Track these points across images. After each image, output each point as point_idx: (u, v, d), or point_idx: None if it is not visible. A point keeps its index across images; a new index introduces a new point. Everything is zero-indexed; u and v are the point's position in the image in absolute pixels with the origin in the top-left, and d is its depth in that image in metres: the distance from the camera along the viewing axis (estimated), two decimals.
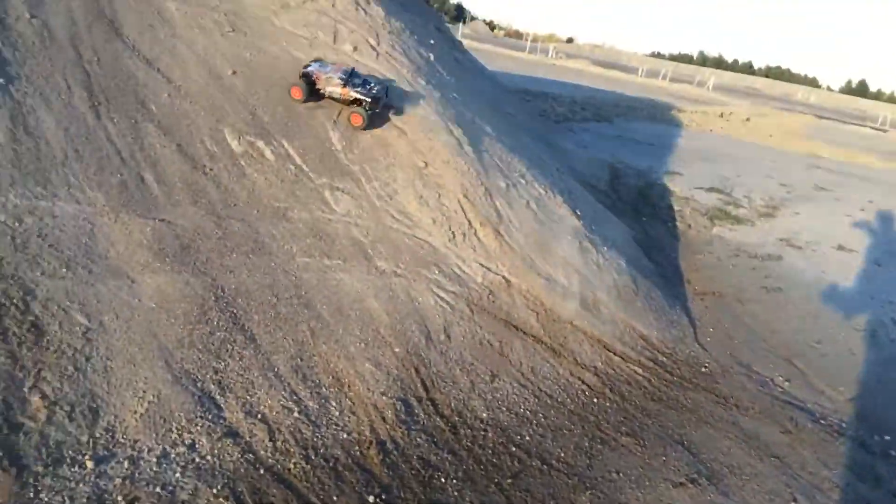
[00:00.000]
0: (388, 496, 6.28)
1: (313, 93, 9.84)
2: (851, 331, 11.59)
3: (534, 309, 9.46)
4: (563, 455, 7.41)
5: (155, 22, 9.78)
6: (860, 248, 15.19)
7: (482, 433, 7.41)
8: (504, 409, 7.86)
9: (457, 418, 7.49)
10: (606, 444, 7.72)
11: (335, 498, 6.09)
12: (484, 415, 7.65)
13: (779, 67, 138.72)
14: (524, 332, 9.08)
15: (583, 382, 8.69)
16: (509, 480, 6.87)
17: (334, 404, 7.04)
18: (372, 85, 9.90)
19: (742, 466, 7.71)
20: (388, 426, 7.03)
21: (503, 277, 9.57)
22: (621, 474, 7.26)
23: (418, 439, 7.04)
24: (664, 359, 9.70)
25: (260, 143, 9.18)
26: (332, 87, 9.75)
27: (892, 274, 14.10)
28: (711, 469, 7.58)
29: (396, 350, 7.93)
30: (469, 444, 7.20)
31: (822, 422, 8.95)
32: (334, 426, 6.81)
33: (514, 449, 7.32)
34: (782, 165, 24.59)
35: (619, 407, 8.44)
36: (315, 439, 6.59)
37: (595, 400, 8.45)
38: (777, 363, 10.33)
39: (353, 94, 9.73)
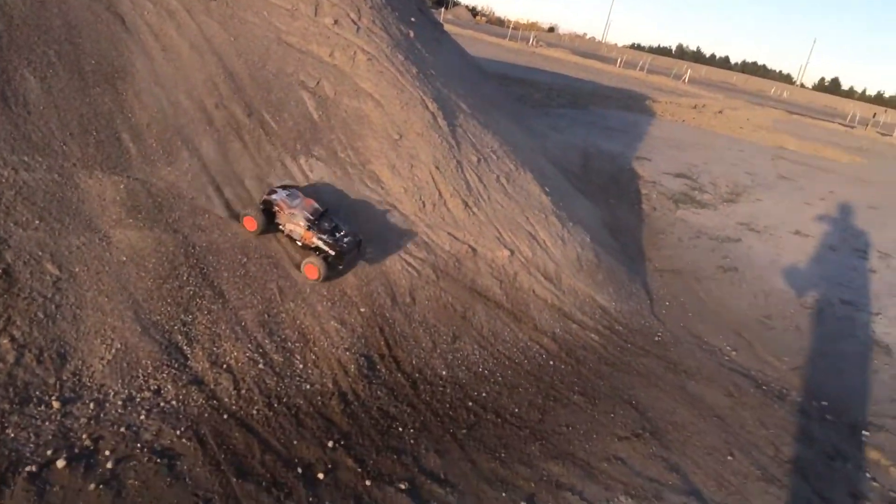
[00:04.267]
0: (346, 442, 6.59)
1: (270, 223, 8.24)
2: (800, 308, 12.10)
3: (498, 277, 9.80)
4: (517, 410, 7.77)
5: None
6: (816, 234, 15.74)
7: (441, 389, 7.74)
8: (463, 368, 8.20)
9: (417, 375, 7.82)
10: (559, 401, 8.09)
11: (295, 442, 6.38)
12: (444, 373, 7.98)
13: (755, 63, 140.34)
14: (487, 299, 9.41)
15: (541, 346, 9.06)
16: (464, 431, 7.22)
17: (299, 358, 7.32)
18: (342, 234, 8.25)
19: (685, 424, 8.14)
20: (350, 380, 7.34)
21: (470, 247, 9.89)
22: (571, 428, 7.64)
23: (379, 392, 7.35)
24: (620, 328, 10.10)
25: (238, 111, 9.39)
26: (294, 225, 8.15)
27: (845, 258, 14.65)
28: (656, 426, 7.99)
29: (362, 310, 8.23)
30: (428, 398, 7.54)
31: (765, 388, 9.41)
32: (298, 378, 7.11)
33: (470, 404, 7.67)
34: (749, 156, 25.18)
35: (574, 369, 8.82)
36: (279, 389, 6.88)
37: (551, 362, 8.82)
38: (727, 335, 10.79)
39: (316, 242, 8.12)
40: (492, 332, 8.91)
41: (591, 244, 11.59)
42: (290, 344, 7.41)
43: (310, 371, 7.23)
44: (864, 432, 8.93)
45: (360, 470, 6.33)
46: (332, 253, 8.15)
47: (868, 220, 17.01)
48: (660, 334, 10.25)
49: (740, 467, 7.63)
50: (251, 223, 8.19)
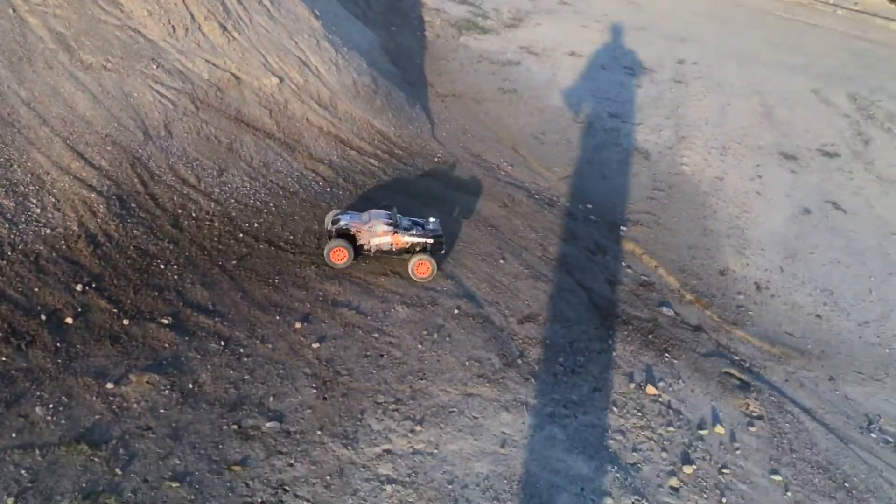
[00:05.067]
0: (99, 284, 6.09)
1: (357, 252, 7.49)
2: (571, 123, 12.66)
3: (267, 106, 9.22)
4: (291, 238, 7.56)
5: None
6: (589, 54, 16.30)
7: (208, 223, 7.31)
8: (233, 201, 7.78)
9: (180, 211, 7.30)
10: None
11: (37, 289, 5.79)
12: (210, 207, 7.52)
13: None
14: (256, 129, 8.87)
15: (317, 175, 8.78)
16: (234, 262, 6.93)
17: (35, 202, 6.52)
18: (421, 222, 7.74)
19: (461, 236, 8.38)
20: (99, 221, 6.69)
21: (232, 74, 9.14)
22: None
23: (136, 231, 6.80)
24: (400, 151, 10.02)
25: None
26: (379, 238, 7.41)
27: (613, 75, 15.39)
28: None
29: (109, 147, 7.43)
30: (193, 233, 7.11)
31: (536, 196, 9.87)
32: (35, 223, 6.35)
33: (241, 235, 7.34)
34: None
35: (352, 194, 8.68)
36: (12, 236, 6.13)
37: (329, 189, 8.60)
38: (504, 152, 11.09)
39: (411, 241, 7.47)
40: (263, 163, 8.47)
41: (368, 70, 11.18)
42: (21, 188, 6.55)
43: (49, 215, 6.49)
44: (622, 228, 9.72)
45: (115, 310, 5.91)
46: (431, 242, 7.48)
47: (636, 40, 17.81)
48: (440, 156, 10.31)
49: (511, 269, 8.03)
50: (342, 254, 7.28)
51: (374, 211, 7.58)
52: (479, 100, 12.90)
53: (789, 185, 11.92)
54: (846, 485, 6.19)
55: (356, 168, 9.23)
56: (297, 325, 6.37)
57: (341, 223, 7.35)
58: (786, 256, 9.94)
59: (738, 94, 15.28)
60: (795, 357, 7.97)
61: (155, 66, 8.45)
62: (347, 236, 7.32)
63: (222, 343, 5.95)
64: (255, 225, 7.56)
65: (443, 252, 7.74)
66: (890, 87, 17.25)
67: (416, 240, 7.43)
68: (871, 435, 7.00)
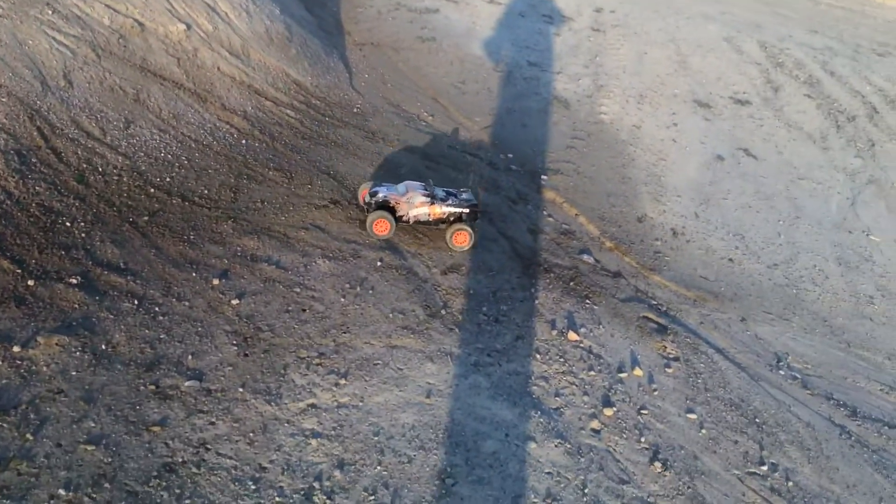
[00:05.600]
0: (0, 243, 5.74)
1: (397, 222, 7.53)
2: (491, 72, 12.60)
3: (174, 55, 8.79)
4: (206, 192, 7.30)
5: None
6: (507, 2, 16.19)
7: (116, 178, 6.97)
8: (142, 154, 7.43)
9: (85, 166, 6.93)
10: (253, 179, 7.74)
11: None
12: (118, 161, 7.16)
13: None
14: (164, 79, 8.46)
15: (231, 126, 8.47)
16: (146, 218, 6.65)
17: None
18: (456, 191, 7.83)
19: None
20: None
21: (135, 20, 8.65)
22: (266, 203, 7.39)
23: (37, 188, 6.42)
24: (317, 102, 9.75)
25: None
26: (417, 209, 7.51)
27: (532, 24, 15.34)
28: (354, 192, 8.02)
29: (4, 99, 6.94)
30: (100, 189, 6.77)
31: (457, 147, 9.81)
32: None
33: (152, 190, 7.03)
34: None
35: (269, 146, 8.42)
36: None
37: (244, 141, 8.32)
38: (424, 102, 10.95)
39: (448, 211, 7.58)
40: (173, 115, 8.11)
41: (281, 17, 10.78)
42: None
43: None
44: (542, 177, 9.79)
45: (19, 271, 5.59)
46: (467, 211, 7.63)
47: None
48: (359, 106, 10.10)
49: None
50: (385, 226, 7.40)
51: (409, 182, 7.73)
52: (398, 48, 12.66)
53: (703, 132, 12.23)
54: (757, 420, 6.50)
55: (272, 119, 8.95)
56: (215, 281, 6.19)
57: (380, 195, 7.44)
58: (700, 202, 10.24)
59: (655, 42, 15.49)
60: (709, 300, 8.27)
61: (50, 12, 7.91)
62: (387, 207, 7.42)
63: (136, 302, 5.73)
64: (167, 179, 7.26)
65: (477, 220, 7.84)
66: (798, 36, 17.83)
67: (452, 209, 7.61)
68: (780, 372, 7.36)
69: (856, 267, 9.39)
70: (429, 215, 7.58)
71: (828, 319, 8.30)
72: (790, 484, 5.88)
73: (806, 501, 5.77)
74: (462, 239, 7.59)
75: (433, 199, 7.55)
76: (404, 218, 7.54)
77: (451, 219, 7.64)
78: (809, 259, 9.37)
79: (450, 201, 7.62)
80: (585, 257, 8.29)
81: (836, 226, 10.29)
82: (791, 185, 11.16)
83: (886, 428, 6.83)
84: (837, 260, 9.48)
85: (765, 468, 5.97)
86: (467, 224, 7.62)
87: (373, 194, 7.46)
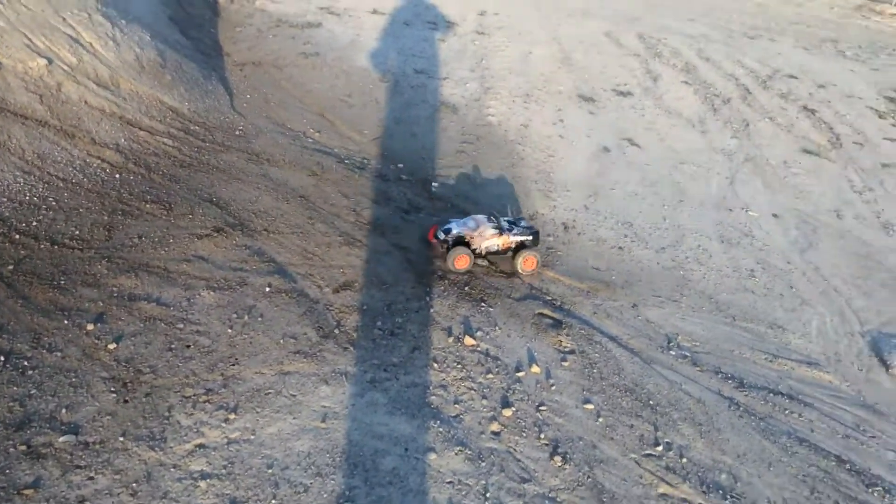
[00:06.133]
0: None
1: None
2: (378, 83, 12.56)
3: (36, 91, 8.38)
4: (77, 233, 6.98)
5: None
6: (391, 11, 16.19)
7: None
8: (4, 199, 7.05)
9: None
10: (128, 214, 7.45)
11: None
12: None
13: None
14: (26, 118, 8.05)
15: (102, 161, 8.14)
16: (10, 267, 6.31)
17: None
18: (514, 220, 8.48)
19: (269, 210, 8.10)
20: None
21: None
22: (143, 238, 7.12)
23: None
24: (196, 128, 9.49)
25: None
26: (489, 241, 8.17)
27: (417, 31, 15.40)
28: (239, 217, 7.83)
29: None
30: None
31: (346, 161, 9.74)
32: None
33: (17, 237, 6.68)
34: None
35: (145, 178, 8.14)
36: None
37: (117, 175, 8.01)
38: (310, 118, 10.82)
39: (516, 240, 8.29)
40: (37, 155, 7.73)
41: (152, 43, 10.44)
42: None
43: None
44: (433, 184, 9.81)
45: None
46: (531, 238, 8.33)
47: None
48: (241, 128, 9.88)
49: (323, 238, 7.90)
50: (465, 260, 8.02)
51: (476, 217, 8.35)
52: (281, 66, 12.47)
53: (589, 125, 12.53)
54: (651, 402, 6.68)
55: (148, 150, 8.65)
56: (90, 326, 5.92)
57: (454, 232, 8.04)
58: (589, 195, 10.47)
59: (539, 41, 15.80)
60: (602, 289, 8.45)
61: None
62: (464, 243, 8.00)
63: (2, 358, 5.42)
64: (34, 223, 6.91)
65: (538, 245, 8.51)
66: (673, 25, 18.52)
67: (520, 238, 8.28)
68: (671, 353, 7.58)
69: (737, 243, 9.79)
70: (499, 245, 8.24)
71: (713, 296, 8.61)
72: (684, 461, 6.07)
73: (700, 476, 5.96)
74: (531, 263, 8.25)
75: (501, 230, 8.16)
76: (477, 251, 8.16)
77: (516, 246, 8.31)
78: (694, 240, 9.71)
79: (515, 231, 8.28)
80: (479, 260, 8.34)
81: (717, 205, 10.70)
82: (674, 170, 11.55)
83: (771, 395, 7.13)
84: (720, 238, 9.86)
85: (660, 448, 6.14)
86: (531, 247, 8.36)
87: (446, 231, 8.09)
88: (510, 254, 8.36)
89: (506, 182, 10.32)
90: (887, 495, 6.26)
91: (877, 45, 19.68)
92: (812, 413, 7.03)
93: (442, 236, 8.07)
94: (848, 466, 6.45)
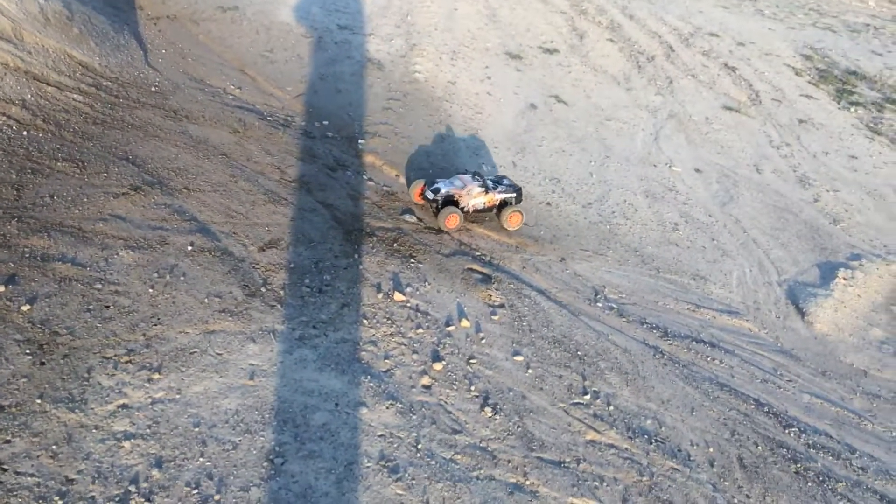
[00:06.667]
0: None
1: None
2: (301, 38, 12.23)
3: None
4: None
5: None
6: None
7: None
8: None
9: None
10: (38, 173, 7.08)
11: None
12: None
13: None
14: None
15: (8, 118, 7.68)
16: None
17: None
18: (497, 178, 8.79)
19: (189, 168, 7.84)
20: None
21: None
22: (56, 197, 6.79)
23: None
24: (108, 83, 9.05)
25: None
26: (475, 199, 8.37)
27: None
28: (157, 175, 7.55)
29: None
30: None
31: (269, 118, 9.49)
32: None
33: None
34: None
35: (55, 135, 7.73)
36: None
37: (25, 133, 7.58)
38: (230, 74, 10.47)
39: (500, 198, 8.50)
40: None
41: None
42: None
43: None
44: (360, 141, 9.67)
45: None
46: (515, 195, 8.56)
47: None
48: (157, 84, 9.49)
49: (247, 197, 7.71)
50: (455, 219, 8.18)
51: (462, 176, 8.53)
52: (198, 20, 11.98)
53: (516, 83, 12.54)
54: (579, 353, 6.84)
55: (57, 106, 8.21)
56: (1, 288, 5.63)
57: (443, 192, 8.16)
58: (517, 151, 10.53)
59: None
60: (531, 245, 8.55)
61: None
62: (453, 202, 8.12)
63: None
64: None
65: (521, 202, 8.71)
66: None
67: (505, 195, 8.48)
68: (598, 305, 7.75)
69: (661, 197, 10.04)
70: (485, 203, 8.41)
71: (639, 249, 8.83)
72: (611, 408, 6.25)
73: (626, 422, 6.16)
74: (517, 220, 8.56)
75: (487, 188, 8.36)
76: (465, 209, 8.32)
77: (500, 203, 8.49)
78: (620, 195, 9.90)
79: (499, 189, 8.49)
80: (408, 217, 8.30)
81: (642, 161, 10.93)
82: (600, 126, 11.71)
83: (694, 343, 7.40)
84: (645, 193, 10.09)
85: (587, 397, 6.30)
86: (515, 203, 8.55)
87: (435, 191, 8.23)
88: (494, 211, 8.56)
89: (434, 139, 10.26)
90: (803, 435, 6.60)
91: (794, 5, 20.28)
92: (733, 360, 7.33)
93: (431, 196, 8.22)
94: (766, 409, 6.77)
